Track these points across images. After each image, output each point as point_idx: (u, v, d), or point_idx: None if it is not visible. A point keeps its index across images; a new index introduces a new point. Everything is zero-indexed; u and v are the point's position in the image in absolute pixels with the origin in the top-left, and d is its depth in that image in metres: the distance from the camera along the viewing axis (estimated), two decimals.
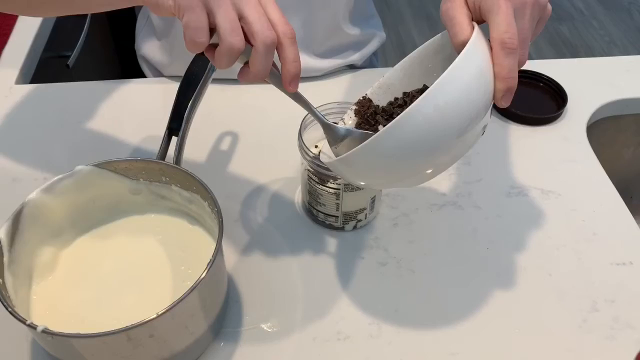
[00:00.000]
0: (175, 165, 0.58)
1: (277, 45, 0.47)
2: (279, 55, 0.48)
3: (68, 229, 0.58)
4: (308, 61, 0.85)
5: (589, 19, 2.66)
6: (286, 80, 0.48)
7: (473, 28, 0.48)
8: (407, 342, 0.57)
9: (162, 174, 0.59)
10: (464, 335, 0.58)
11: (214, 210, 0.54)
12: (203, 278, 0.48)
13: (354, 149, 0.47)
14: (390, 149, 0.45)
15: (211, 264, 0.49)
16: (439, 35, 0.55)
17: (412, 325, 0.59)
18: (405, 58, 0.57)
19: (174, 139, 0.61)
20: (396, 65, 0.58)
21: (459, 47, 0.48)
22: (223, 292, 0.57)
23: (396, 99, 0.57)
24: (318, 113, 0.54)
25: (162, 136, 0.61)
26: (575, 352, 0.57)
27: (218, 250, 0.50)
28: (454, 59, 0.45)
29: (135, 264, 0.57)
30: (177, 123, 0.61)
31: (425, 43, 0.56)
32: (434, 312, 0.60)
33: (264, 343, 0.57)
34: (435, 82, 0.44)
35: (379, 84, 0.58)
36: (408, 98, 0.55)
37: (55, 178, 0.56)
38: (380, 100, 0.59)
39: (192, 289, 0.47)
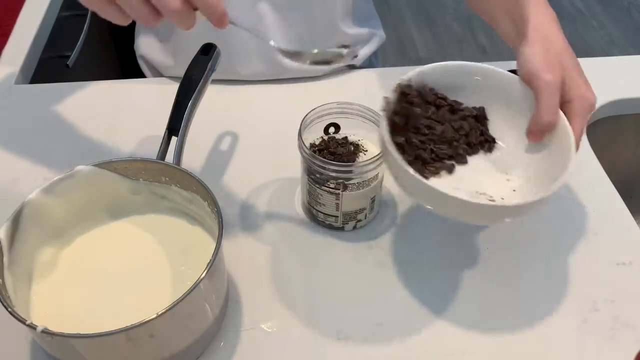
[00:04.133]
0: (175, 165, 0.58)
1: None
2: None
3: (68, 229, 0.58)
4: None
5: (589, 19, 2.66)
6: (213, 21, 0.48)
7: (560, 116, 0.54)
8: (407, 342, 0.57)
9: (162, 174, 0.59)
10: (463, 335, 0.58)
11: (214, 210, 0.54)
12: (203, 278, 0.48)
13: (428, 188, 0.51)
14: (451, 208, 0.52)
15: (211, 264, 0.49)
16: (516, 77, 0.57)
17: (412, 325, 0.59)
18: (454, 62, 0.58)
19: (174, 139, 0.61)
20: (442, 62, 0.58)
21: (542, 119, 0.54)
22: (223, 292, 0.57)
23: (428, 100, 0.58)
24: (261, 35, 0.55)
25: (162, 136, 0.62)
26: (575, 352, 0.57)
27: (218, 250, 0.50)
28: (514, 107, 0.55)
29: (135, 264, 0.57)
30: (177, 123, 0.61)
31: (494, 68, 0.58)
32: (433, 312, 0.60)
33: (264, 343, 0.57)
34: (543, 197, 0.50)
35: (419, 72, 0.57)
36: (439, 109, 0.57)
37: (55, 178, 0.56)
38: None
39: (192, 289, 0.47)
